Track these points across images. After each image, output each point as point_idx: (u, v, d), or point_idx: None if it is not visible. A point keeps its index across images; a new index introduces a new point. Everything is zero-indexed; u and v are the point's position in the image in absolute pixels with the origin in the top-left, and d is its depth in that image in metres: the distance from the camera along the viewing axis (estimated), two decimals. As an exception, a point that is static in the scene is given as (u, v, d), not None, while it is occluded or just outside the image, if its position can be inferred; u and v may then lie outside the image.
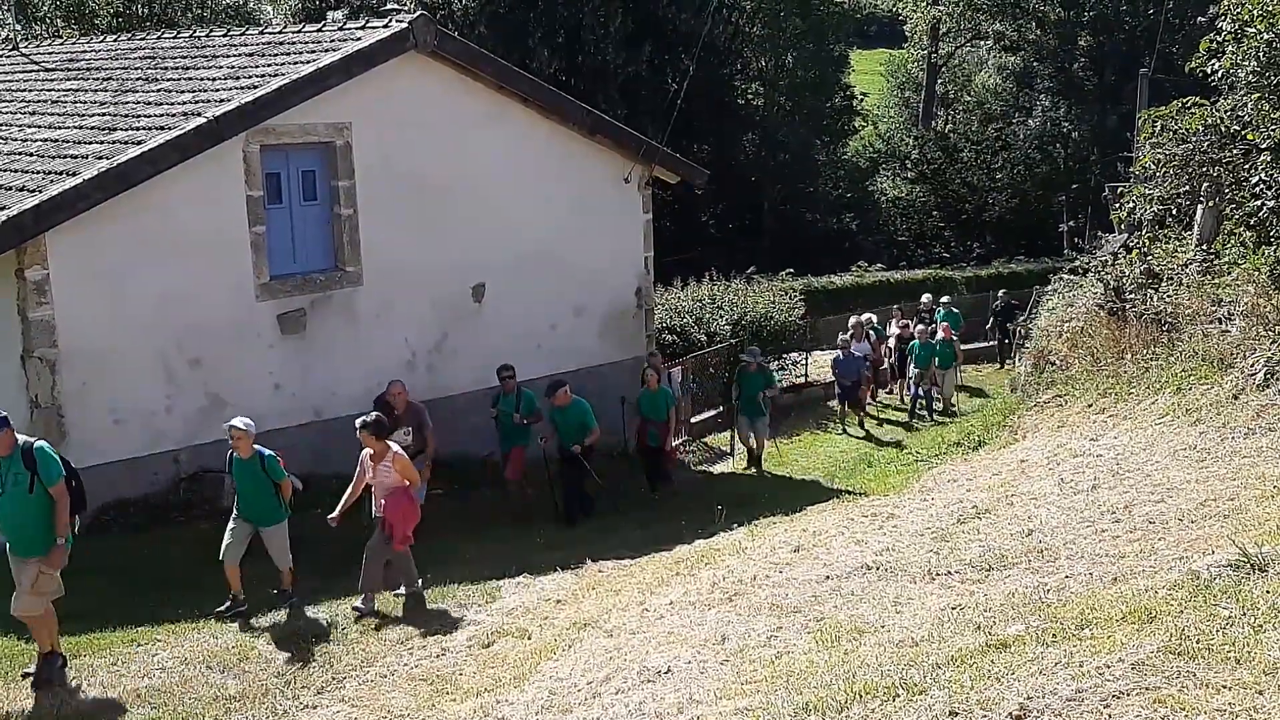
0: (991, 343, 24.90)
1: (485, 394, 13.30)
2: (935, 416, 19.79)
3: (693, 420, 17.98)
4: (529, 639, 7.99)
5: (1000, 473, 10.13)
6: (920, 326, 20.89)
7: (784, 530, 9.52)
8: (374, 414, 9.34)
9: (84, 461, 10.98)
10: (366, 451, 9.20)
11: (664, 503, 13.56)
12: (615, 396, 14.83)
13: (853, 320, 20.72)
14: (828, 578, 7.20)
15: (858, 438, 18.51)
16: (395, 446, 9.25)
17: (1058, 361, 13.56)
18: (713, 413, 18.64)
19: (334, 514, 9.19)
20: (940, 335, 20.37)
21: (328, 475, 11.50)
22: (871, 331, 20.64)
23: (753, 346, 17.15)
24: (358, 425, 9.11)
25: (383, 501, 9.19)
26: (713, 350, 19.03)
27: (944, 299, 24.17)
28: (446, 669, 7.75)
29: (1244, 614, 4.56)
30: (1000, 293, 25.61)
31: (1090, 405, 11.52)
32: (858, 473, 16.01)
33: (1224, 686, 3.98)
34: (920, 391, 20.01)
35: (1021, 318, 22.66)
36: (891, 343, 21.72)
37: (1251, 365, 9.39)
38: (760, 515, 10.89)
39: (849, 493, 13.87)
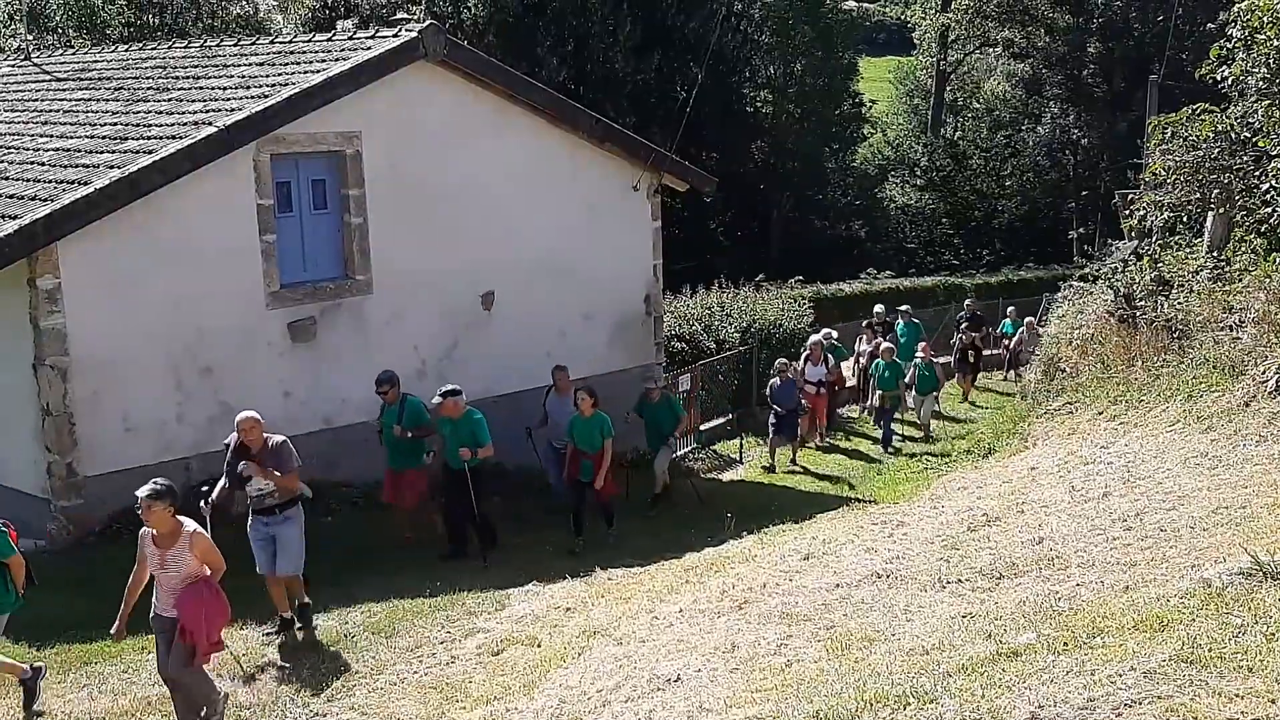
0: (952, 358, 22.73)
1: (495, 401, 13.30)
2: (908, 444, 17.85)
3: (702, 428, 17.95)
4: (539, 647, 8.00)
5: (1011, 480, 10.11)
6: (886, 345, 18.54)
7: (794, 538, 9.52)
8: (163, 481, 7.01)
9: (95, 469, 11.11)
10: (146, 530, 7.05)
11: (598, 549, 11.48)
12: (625, 404, 14.76)
13: (812, 339, 18.18)
14: (838, 585, 7.19)
15: (792, 471, 16.46)
16: (191, 525, 7.09)
17: (1068, 369, 13.53)
18: (722, 420, 18.62)
19: (116, 625, 7.31)
20: (920, 357, 18.46)
21: (336, 483, 11.62)
22: (829, 354, 18.03)
23: (651, 376, 14.84)
24: (142, 496, 6.87)
25: (172, 601, 7.00)
26: (721, 357, 19.01)
27: (903, 308, 21.98)
28: (456, 677, 7.76)
29: (1256, 622, 4.54)
30: (966, 301, 23.76)
31: (1101, 413, 11.49)
32: (868, 480, 15.99)
33: (1236, 695, 3.96)
34: (889, 420, 17.72)
35: (988, 328, 21.64)
36: (864, 360, 19.84)
37: (1263, 372, 9.35)
38: (770, 523, 10.89)
39: (859, 500, 13.86)
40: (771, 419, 16.67)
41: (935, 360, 19.00)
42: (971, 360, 21.35)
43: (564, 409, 12.77)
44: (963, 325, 21.45)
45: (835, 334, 19.84)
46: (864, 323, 21.56)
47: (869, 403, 18.88)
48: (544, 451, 13.30)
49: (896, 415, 18.18)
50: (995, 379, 23.10)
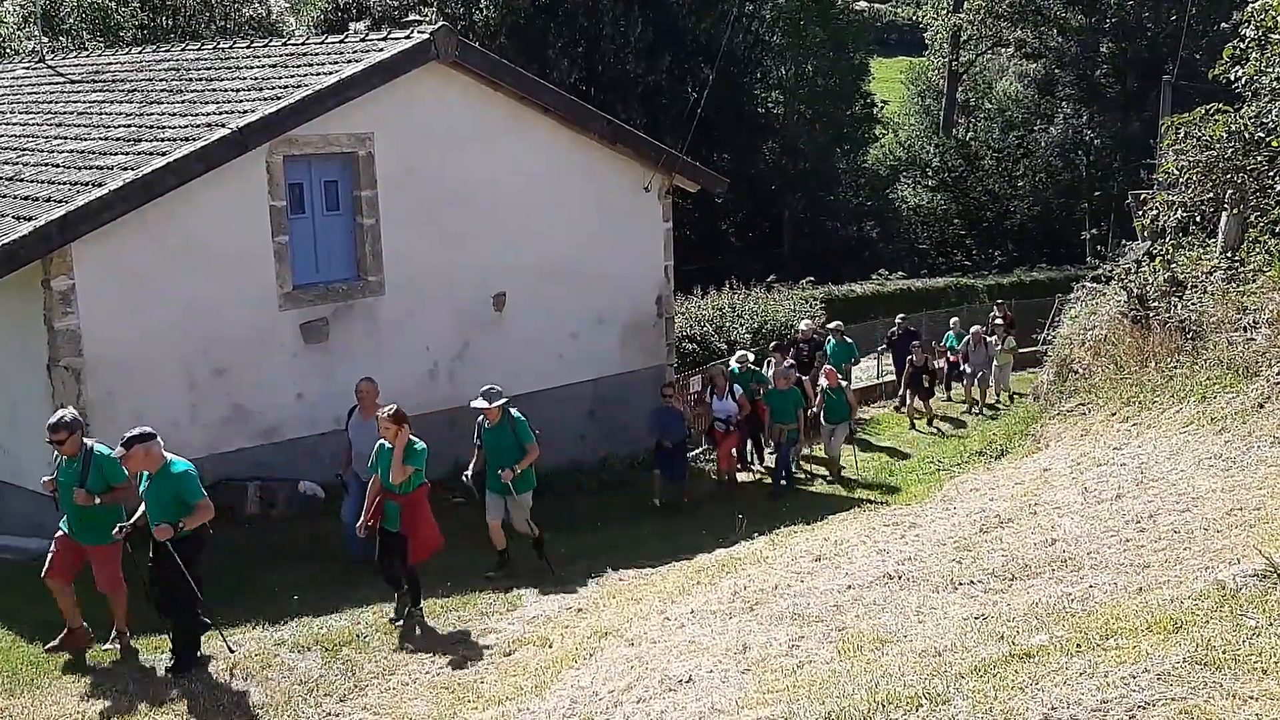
0: (888, 378, 21.56)
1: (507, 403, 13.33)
2: (805, 482, 15.89)
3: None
4: (550, 647, 8.01)
5: (1023, 482, 10.08)
6: (784, 366, 15.65)
7: (805, 539, 9.51)
8: None
9: (109, 470, 11.13)
10: None
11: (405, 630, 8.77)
12: (635, 408, 14.69)
13: (715, 368, 15.84)
14: (849, 587, 7.18)
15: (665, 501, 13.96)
16: None
17: (1081, 370, 13.48)
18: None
19: None
20: (824, 381, 16.04)
21: (348, 482, 11.58)
22: (735, 385, 15.36)
23: (491, 386, 10.48)
24: None
25: None
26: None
27: (832, 325, 19.61)
28: (468, 677, 7.77)
29: (1271, 624, 4.52)
30: (898, 317, 21.82)
31: (1114, 414, 11.45)
32: (879, 481, 15.95)
33: (1251, 697, 3.95)
34: (787, 456, 15.24)
35: (920, 345, 19.70)
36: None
37: (1277, 374, 9.31)
38: (781, 524, 10.87)
39: (870, 502, 13.83)
40: (656, 453, 14.24)
41: (844, 385, 16.68)
42: (926, 384, 19.59)
43: (368, 434, 9.89)
44: (913, 343, 19.66)
45: (750, 356, 16.54)
46: (771, 344, 17.84)
47: (765, 436, 16.16)
48: (354, 491, 10.53)
49: (808, 451, 16.54)
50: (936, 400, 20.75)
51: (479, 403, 10.29)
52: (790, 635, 6.38)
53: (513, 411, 10.41)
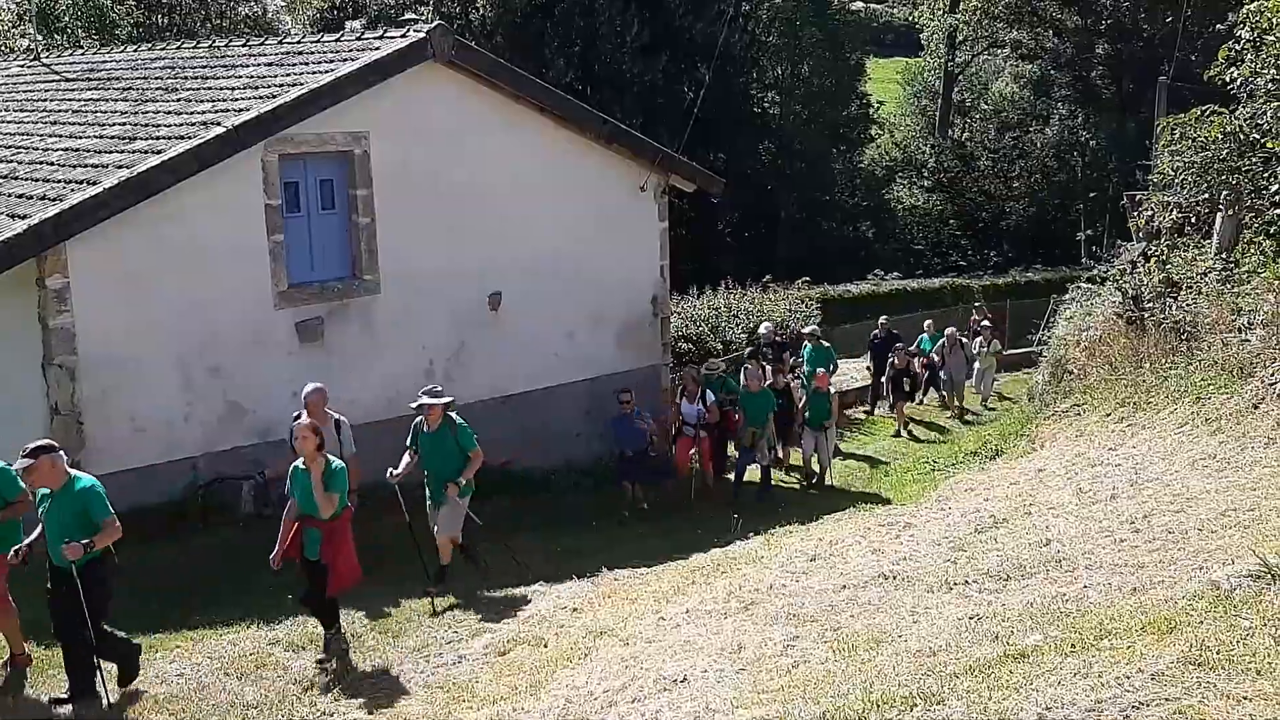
0: (867, 382, 20.64)
1: (503, 402, 13.31)
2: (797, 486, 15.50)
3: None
4: (545, 647, 8.01)
5: (1018, 482, 10.11)
6: (750, 365, 15.48)
7: (800, 539, 9.53)
8: None
9: (103, 469, 11.06)
10: None
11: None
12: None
13: (700, 369, 15.17)
14: (844, 587, 7.19)
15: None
16: None
17: (1076, 370, 13.52)
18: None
19: None
20: (813, 385, 15.69)
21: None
22: (709, 388, 14.62)
23: (433, 386, 10.53)
24: None
25: None
26: (728, 359, 19.01)
27: (808, 329, 18.70)
28: (463, 677, 7.77)
29: (1264, 624, 4.53)
30: (881, 319, 20.94)
31: (1109, 414, 11.48)
32: (875, 481, 15.97)
33: (1244, 697, 3.95)
34: (757, 458, 14.65)
35: (904, 348, 19.12)
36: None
37: (1272, 375, 9.34)
38: (777, 524, 10.89)
39: (866, 502, 13.85)
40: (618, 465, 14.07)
41: (830, 392, 16.06)
42: (907, 388, 19.19)
43: None
44: (897, 347, 19.05)
45: (722, 366, 16.09)
46: (747, 352, 17.06)
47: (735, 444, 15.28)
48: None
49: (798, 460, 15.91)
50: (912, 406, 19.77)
51: (424, 400, 10.04)
52: (785, 635, 6.39)
53: (453, 416, 10.13)
